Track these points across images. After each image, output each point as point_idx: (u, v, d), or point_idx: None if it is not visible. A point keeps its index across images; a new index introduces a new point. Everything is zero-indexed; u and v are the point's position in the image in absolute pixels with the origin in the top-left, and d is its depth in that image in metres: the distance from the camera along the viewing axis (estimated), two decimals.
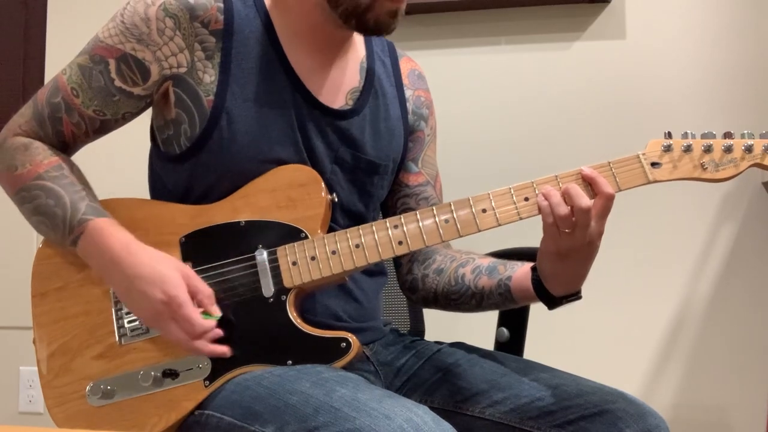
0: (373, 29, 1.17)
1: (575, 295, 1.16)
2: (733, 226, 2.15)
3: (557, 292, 1.15)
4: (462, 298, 1.28)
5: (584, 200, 1.06)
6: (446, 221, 1.12)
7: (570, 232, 1.07)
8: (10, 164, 1.20)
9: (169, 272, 1.08)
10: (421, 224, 1.12)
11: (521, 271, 1.21)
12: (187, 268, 1.11)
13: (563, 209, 1.06)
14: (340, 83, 1.24)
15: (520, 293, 1.21)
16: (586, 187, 1.08)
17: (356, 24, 1.16)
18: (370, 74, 1.28)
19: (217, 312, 1.10)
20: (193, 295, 1.08)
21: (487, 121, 2.28)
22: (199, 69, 1.16)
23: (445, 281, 1.29)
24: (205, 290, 1.10)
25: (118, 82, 1.18)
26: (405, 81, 1.34)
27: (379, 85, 1.29)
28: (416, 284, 1.34)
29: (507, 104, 2.27)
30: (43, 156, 1.19)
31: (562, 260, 1.10)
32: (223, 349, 1.09)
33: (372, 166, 1.26)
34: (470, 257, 1.30)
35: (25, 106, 1.24)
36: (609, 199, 1.07)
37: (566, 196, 1.07)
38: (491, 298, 1.24)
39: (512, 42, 2.29)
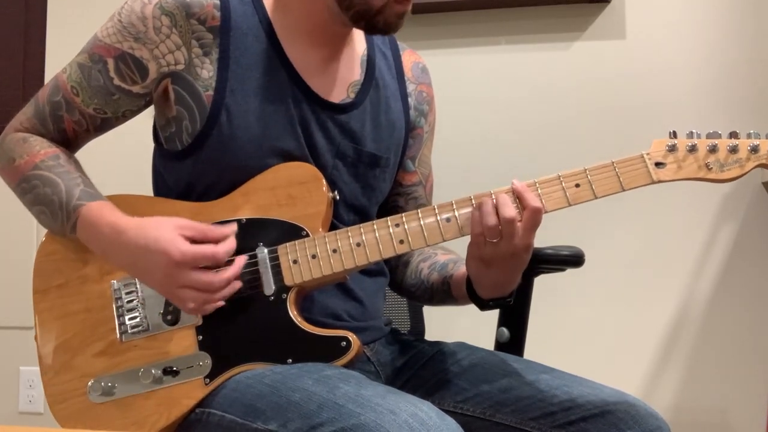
0: (382, 29, 1.18)
1: (504, 299, 1.17)
2: (733, 226, 2.15)
3: (484, 295, 1.17)
4: (418, 292, 1.33)
5: (509, 210, 1.06)
6: (447, 220, 1.12)
7: (495, 242, 1.08)
8: (10, 157, 1.21)
9: (163, 233, 1.08)
10: (422, 223, 1.12)
11: (462, 270, 1.22)
12: (180, 219, 1.11)
13: (492, 219, 1.07)
14: (341, 77, 1.25)
15: (457, 292, 1.24)
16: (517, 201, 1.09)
17: (365, 25, 1.17)
18: (371, 67, 1.29)
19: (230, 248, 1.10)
20: (200, 241, 1.09)
21: (487, 120, 2.28)
22: (197, 65, 1.16)
23: (407, 274, 1.34)
24: (205, 228, 1.10)
25: (117, 81, 1.18)
26: (408, 74, 1.35)
27: (380, 77, 1.29)
28: (390, 274, 1.37)
29: (507, 104, 2.27)
30: (40, 147, 1.20)
31: (486, 266, 1.12)
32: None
33: (373, 159, 1.26)
34: (434, 253, 1.33)
35: (27, 105, 1.25)
36: (536, 213, 1.07)
37: (496, 207, 1.08)
38: (439, 295, 1.28)
39: (512, 42, 2.29)
